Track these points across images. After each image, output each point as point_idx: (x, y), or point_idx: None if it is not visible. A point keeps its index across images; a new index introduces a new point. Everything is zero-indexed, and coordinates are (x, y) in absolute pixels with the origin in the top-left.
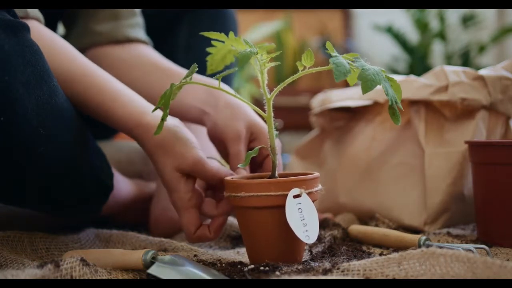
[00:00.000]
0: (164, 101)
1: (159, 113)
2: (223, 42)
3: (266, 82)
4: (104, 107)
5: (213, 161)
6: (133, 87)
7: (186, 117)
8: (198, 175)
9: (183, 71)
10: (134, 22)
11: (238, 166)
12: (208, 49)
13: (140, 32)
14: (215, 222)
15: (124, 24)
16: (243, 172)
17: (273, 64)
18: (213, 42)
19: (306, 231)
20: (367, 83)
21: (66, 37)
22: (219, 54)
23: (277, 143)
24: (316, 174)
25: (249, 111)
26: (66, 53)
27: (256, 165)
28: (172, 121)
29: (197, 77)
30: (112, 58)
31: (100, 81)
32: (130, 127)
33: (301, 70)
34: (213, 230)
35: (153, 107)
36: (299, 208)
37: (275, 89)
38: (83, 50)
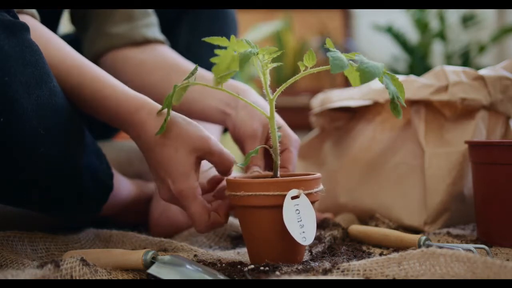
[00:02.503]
0: (168, 103)
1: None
2: (225, 47)
3: (268, 82)
4: (102, 93)
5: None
6: (156, 89)
7: (209, 119)
8: (215, 158)
9: (204, 72)
10: (149, 22)
11: (238, 164)
12: (212, 60)
13: (156, 32)
14: (221, 206)
15: (140, 24)
16: (255, 170)
17: (275, 64)
18: (216, 51)
19: (303, 232)
20: (365, 75)
21: (80, 41)
22: (224, 63)
23: (295, 138)
24: (317, 175)
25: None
26: (61, 48)
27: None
28: (173, 112)
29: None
30: (133, 61)
31: (96, 70)
32: (133, 110)
33: (303, 70)
34: (222, 215)
35: (150, 100)
36: (297, 209)
37: (277, 90)
38: (100, 54)
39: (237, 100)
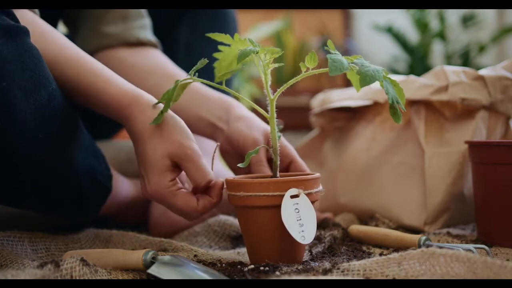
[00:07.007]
0: (167, 97)
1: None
2: (228, 45)
3: (269, 82)
4: (96, 86)
5: (208, 161)
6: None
7: (198, 131)
8: (189, 167)
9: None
10: (143, 24)
11: (238, 165)
12: (215, 55)
13: (149, 34)
14: (214, 187)
15: (134, 25)
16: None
17: (277, 65)
18: (219, 47)
19: (302, 231)
20: (365, 78)
21: (72, 39)
22: (226, 60)
23: (293, 148)
24: (317, 175)
25: (261, 121)
26: (57, 39)
27: (282, 171)
28: (171, 112)
29: (205, 88)
30: (126, 63)
31: (92, 63)
32: (125, 104)
33: (305, 71)
34: (215, 195)
35: (146, 95)
36: (296, 209)
37: (278, 90)
38: (91, 53)
39: (228, 113)
